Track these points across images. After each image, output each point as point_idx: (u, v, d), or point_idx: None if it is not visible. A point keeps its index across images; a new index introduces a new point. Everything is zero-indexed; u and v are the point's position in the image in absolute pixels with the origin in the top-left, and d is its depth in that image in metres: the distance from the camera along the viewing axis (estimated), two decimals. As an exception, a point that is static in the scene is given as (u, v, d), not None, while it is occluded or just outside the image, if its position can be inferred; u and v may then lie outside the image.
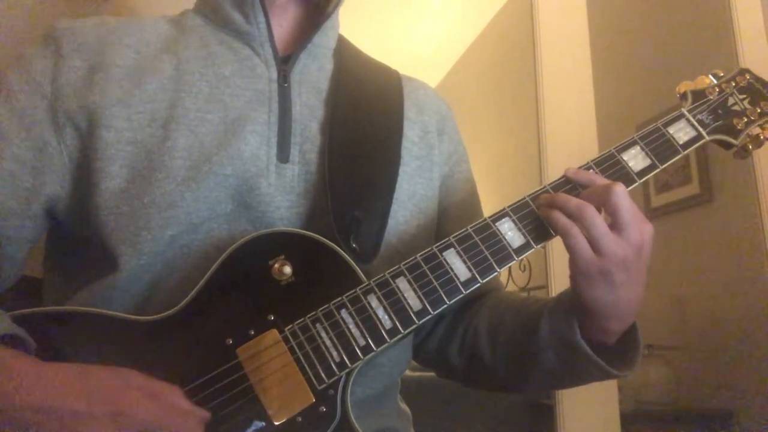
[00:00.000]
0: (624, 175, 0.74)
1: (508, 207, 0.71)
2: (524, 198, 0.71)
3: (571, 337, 0.67)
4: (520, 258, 0.69)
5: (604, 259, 0.63)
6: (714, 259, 2.01)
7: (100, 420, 0.51)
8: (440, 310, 0.66)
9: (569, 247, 0.65)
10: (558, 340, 0.69)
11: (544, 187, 0.72)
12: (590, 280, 0.65)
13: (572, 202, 0.67)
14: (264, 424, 0.59)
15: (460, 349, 0.82)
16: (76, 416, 0.51)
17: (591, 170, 0.74)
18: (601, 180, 0.71)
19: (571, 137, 1.63)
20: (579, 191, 0.71)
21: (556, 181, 0.73)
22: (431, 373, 0.95)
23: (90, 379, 0.53)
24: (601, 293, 0.65)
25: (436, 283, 0.66)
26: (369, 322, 0.64)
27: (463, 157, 0.92)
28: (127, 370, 0.56)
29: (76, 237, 0.71)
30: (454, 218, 0.85)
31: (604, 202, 0.66)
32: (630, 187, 0.74)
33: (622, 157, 0.75)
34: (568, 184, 0.72)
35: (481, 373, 0.82)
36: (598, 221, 0.64)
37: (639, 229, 0.65)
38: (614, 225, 0.65)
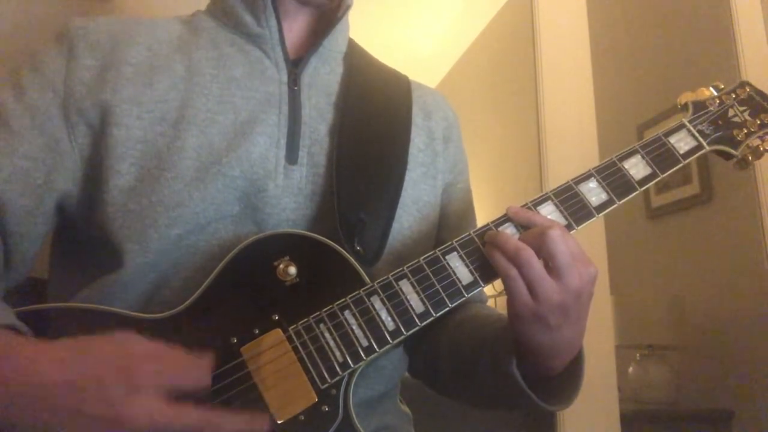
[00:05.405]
0: (625, 183, 0.75)
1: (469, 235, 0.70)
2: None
3: (507, 367, 0.66)
4: None
5: (539, 304, 0.61)
6: (714, 259, 2.01)
7: (117, 391, 0.50)
8: (442, 312, 0.66)
9: (506, 289, 0.64)
10: (497, 368, 0.68)
11: (487, 224, 0.70)
12: (525, 322, 0.63)
13: (510, 243, 0.64)
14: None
15: (424, 357, 0.83)
16: (93, 390, 0.50)
17: (548, 201, 0.71)
18: (541, 220, 0.68)
19: (571, 137, 1.63)
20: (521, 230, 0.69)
21: (498, 219, 0.70)
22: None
23: (91, 353, 0.53)
24: (535, 334, 0.63)
25: (438, 286, 0.66)
26: (372, 324, 0.64)
27: (466, 166, 0.92)
28: (123, 336, 0.55)
29: (82, 234, 0.72)
30: (453, 227, 0.85)
31: (539, 247, 0.63)
32: (630, 195, 0.74)
33: (623, 165, 0.76)
34: (509, 221, 0.70)
35: (438, 381, 0.83)
36: (534, 265, 0.62)
37: (578, 273, 0.62)
38: (551, 270, 0.62)
